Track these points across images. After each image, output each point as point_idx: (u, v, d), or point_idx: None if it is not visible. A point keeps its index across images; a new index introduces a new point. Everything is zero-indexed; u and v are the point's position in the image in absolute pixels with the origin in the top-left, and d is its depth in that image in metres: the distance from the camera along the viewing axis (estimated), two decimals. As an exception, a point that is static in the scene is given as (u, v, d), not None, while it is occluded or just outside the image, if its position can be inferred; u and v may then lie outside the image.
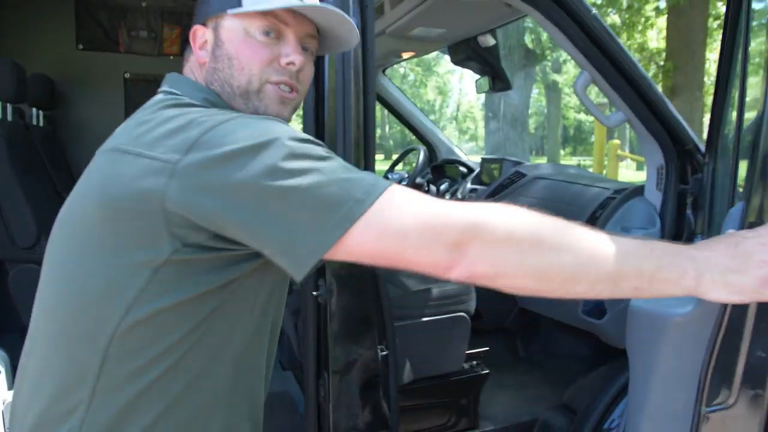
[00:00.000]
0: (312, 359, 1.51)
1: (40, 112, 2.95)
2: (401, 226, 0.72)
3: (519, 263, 0.73)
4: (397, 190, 0.75)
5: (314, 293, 1.45)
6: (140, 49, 3.12)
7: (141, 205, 0.73)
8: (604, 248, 0.75)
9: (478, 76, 2.76)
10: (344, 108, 1.42)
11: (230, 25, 0.88)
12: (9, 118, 2.44)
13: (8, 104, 2.41)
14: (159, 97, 0.87)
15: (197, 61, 0.91)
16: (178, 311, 0.77)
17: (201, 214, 0.73)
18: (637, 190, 2.07)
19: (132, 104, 3.15)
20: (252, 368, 0.91)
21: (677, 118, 1.87)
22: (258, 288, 0.85)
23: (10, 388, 1.31)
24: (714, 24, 10.92)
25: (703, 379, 1.07)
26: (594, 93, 1.97)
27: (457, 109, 32.63)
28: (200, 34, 0.91)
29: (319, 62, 1.41)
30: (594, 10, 1.74)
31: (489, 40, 2.46)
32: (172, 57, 3.19)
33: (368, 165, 1.48)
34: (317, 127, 1.42)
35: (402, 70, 26.42)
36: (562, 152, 26.22)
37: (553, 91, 21.84)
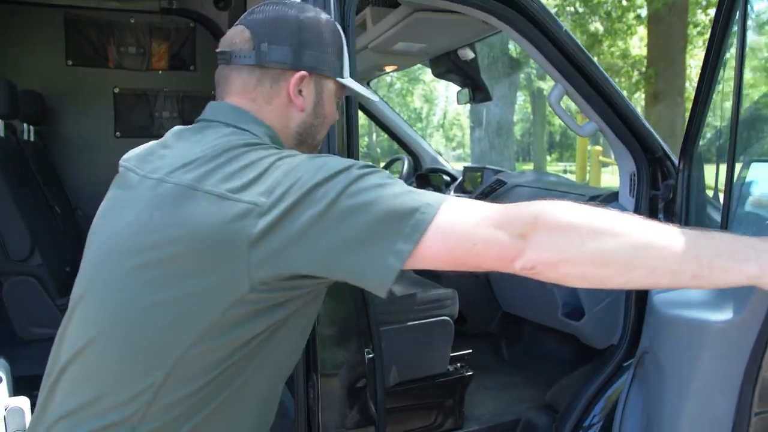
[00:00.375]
0: (301, 362, 1.57)
1: (31, 128, 3.00)
2: (469, 224, 0.77)
3: (578, 249, 0.74)
4: (457, 198, 0.81)
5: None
6: (129, 64, 3.18)
7: (226, 246, 0.78)
8: (660, 235, 0.76)
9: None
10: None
11: (330, 88, 1.01)
12: (1, 134, 2.49)
13: (0, 120, 2.47)
14: (224, 130, 0.91)
15: (294, 102, 0.96)
16: (241, 342, 0.82)
17: (284, 256, 0.78)
18: (612, 196, 2.16)
19: (121, 118, 3.21)
20: (279, 384, 0.98)
21: (647, 127, 1.96)
22: (304, 316, 0.92)
23: (11, 394, 1.36)
24: (693, 31, 11.14)
25: (753, 383, 1.07)
26: (570, 102, 2.05)
27: (444, 117, 32.83)
28: (299, 81, 0.96)
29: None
30: (565, 27, 1.83)
31: (468, 54, 2.55)
32: (160, 72, 3.25)
33: None
34: None
35: (388, 79, 26.56)
36: (548, 158, 26.44)
37: (537, 98, 22.06)
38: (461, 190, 2.98)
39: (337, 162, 0.82)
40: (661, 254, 0.75)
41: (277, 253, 0.77)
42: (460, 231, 0.77)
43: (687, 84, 9.77)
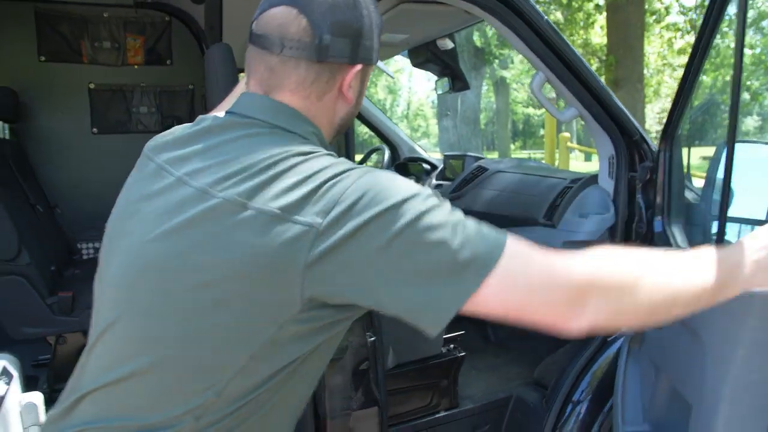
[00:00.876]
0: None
1: (5, 125, 2.94)
2: (527, 281, 0.77)
3: (633, 304, 0.80)
4: (516, 244, 0.79)
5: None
6: (104, 59, 3.12)
7: (281, 268, 0.75)
8: (695, 270, 0.85)
9: (429, 76, 2.90)
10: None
11: (368, 73, 0.96)
12: None
13: (-21, 120, 2.43)
14: (271, 131, 0.85)
15: (345, 96, 0.91)
16: (288, 361, 0.82)
17: (337, 282, 0.76)
18: (592, 179, 2.25)
19: (98, 114, 3.17)
20: (309, 393, 0.96)
21: (624, 111, 2.05)
22: (342, 331, 0.90)
23: (23, 390, 1.37)
24: (650, 19, 11.45)
25: None
26: (546, 89, 2.12)
27: (408, 108, 32.91)
28: (353, 76, 0.91)
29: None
30: (545, 16, 1.90)
31: (448, 44, 2.60)
32: (136, 66, 3.20)
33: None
34: None
35: (352, 71, 26.42)
36: (512, 146, 26.79)
37: (501, 86, 22.32)
38: (443, 177, 3.04)
39: (401, 187, 0.78)
40: (701, 289, 0.85)
41: (331, 276, 0.76)
42: (519, 287, 0.77)
43: (645, 71, 10.05)
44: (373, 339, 1.63)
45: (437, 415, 2.11)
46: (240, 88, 1.10)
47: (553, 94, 2.16)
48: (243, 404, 0.81)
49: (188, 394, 0.80)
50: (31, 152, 3.00)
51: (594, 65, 11.44)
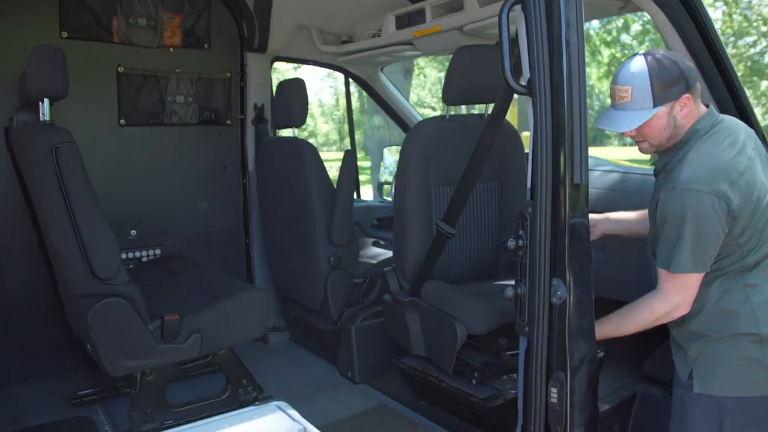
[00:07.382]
0: (540, 359, 1.50)
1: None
2: None
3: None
4: None
5: (552, 298, 1.45)
6: (138, 39, 2.71)
7: None
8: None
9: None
10: (571, 103, 1.45)
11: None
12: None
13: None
14: None
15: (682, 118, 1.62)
16: None
17: None
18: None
19: (126, 103, 2.74)
20: None
21: (751, 107, 2.12)
22: None
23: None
24: None
25: None
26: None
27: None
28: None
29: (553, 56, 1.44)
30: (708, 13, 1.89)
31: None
32: (171, 49, 2.80)
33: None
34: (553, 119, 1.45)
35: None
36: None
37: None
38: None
39: None
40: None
41: None
42: None
43: None
44: (602, 354, 1.55)
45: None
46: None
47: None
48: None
49: None
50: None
51: None
